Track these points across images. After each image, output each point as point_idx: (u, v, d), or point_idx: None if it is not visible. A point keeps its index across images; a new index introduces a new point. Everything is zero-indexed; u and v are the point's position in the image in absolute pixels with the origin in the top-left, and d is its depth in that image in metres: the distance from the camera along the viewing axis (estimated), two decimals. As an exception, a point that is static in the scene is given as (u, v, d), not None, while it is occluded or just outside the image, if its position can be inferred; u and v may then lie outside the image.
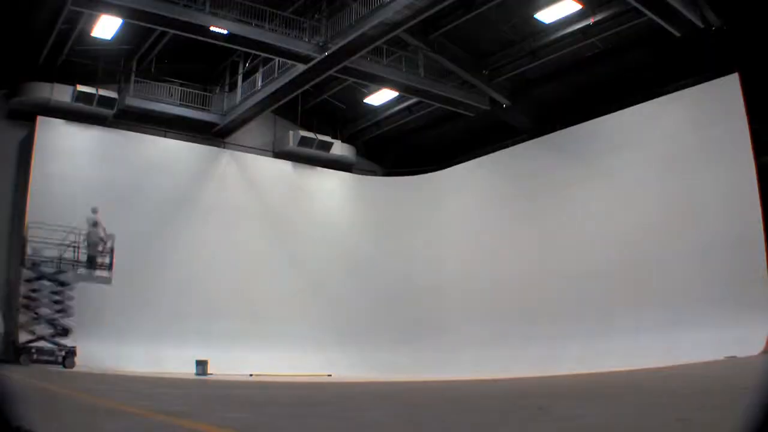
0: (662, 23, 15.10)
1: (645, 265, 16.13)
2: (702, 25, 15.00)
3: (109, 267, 16.68)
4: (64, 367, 15.38)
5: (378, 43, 16.88)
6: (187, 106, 20.80)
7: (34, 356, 15.47)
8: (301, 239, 21.94)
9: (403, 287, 22.03)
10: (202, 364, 17.20)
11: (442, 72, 19.71)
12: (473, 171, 22.10)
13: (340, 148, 23.07)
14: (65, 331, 15.86)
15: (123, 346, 17.29)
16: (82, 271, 16.60)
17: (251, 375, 16.76)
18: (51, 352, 15.64)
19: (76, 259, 16.56)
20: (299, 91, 19.79)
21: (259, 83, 19.76)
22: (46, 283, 16.28)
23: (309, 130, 22.50)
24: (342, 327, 20.95)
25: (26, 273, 16.30)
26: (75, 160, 18.96)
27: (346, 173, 23.81)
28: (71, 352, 15.74)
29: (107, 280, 16.73)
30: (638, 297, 16.04)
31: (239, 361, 18.18)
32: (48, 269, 16.27)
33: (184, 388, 9.88)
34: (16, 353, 15.67)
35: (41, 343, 15.72)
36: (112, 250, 16.59)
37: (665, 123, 16.67)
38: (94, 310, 17.03)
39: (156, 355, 17.52)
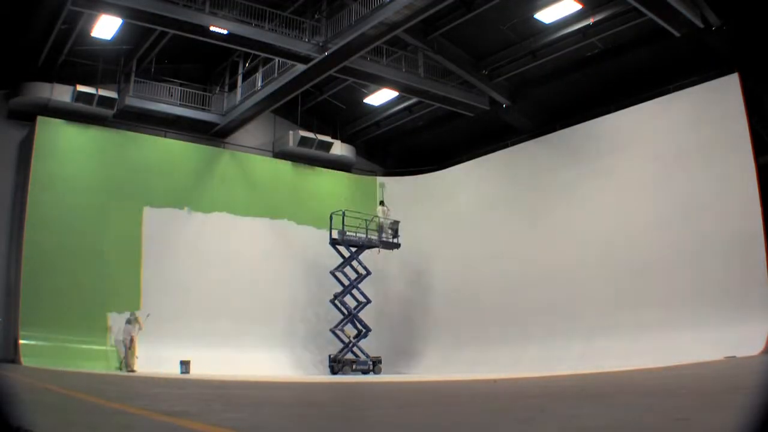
0: (662, 23, 15.09)
1: (645, 265, 16.13)
2: (702, 25, 15.00)
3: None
4: (374, 374, 18.92)
5: (378, 43, 16.88)
6: (187, 106, 20.79)
7: (354, 366, 19.07)
8: (301, 239, 21.92)
9: (404, 287, 22.02)
10: (185, 364, 17.45)
11: (442, 72, 19.71)
12: (473, 171, 22.10)
13: (339, 148, 23.06)
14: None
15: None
16: None
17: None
18: (365, 362, 19.29)
19: None
20: (299, 91, 19.80)
21: (259, 83, 19.75)
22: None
23: (309, 130, 22.50)
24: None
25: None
26: (75, 160, 18.96)
27: (346, 173, 23.80)
28: (379, 361, 19.62)
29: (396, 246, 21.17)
30: (638, 297, 16.04)
31: (231, 362, 18.16)
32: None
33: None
34: (337, 365, 19.12)
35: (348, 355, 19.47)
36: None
37: (665, 123, 16.68)
38: None
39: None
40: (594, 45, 17.64)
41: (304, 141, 21.95)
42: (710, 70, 15.73)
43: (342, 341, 19.55)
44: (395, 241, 21.05)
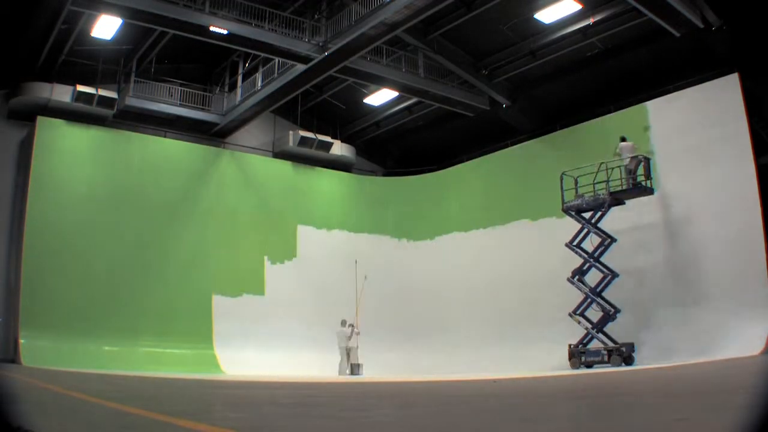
0: (662, 23, 15.11)
1: (645, 265, 16.12)
2: (702, 25, 15.02)
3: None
4: (612, 365, 14.60)
5: (378, 43, 16.90)
6: (187, 106, 20.81)
7: (583, 359, 15.47)
8: (301, 239, 21.94)
9: (404, 287, 22.04)
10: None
11: (442, 72, 19.73)
12: (473, 171, 22.11)
13: (339, 148, 23.08)
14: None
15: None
16: None
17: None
18: (597, 353, 15.33)
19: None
20: (299, 91, 19.81)
21: (259, 83, 19.76)
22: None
23: (308, 130, 22.51)
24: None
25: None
26: (75, 160, 18.97)
27: (346, 173, 23.81)
28: (629, 349, 14.94)
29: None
30: (638, 297, 16.03)
31: (235, 361, 18.20)
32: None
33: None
34: (576, 357, 15.55)
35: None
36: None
37: (665, 123, 16.67)
38: None
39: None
40: (594, 45, 17.65)
41: (304, 141, 21.96)
42: (710, 70, 15.74)
43: (585, 328, 15.97)
44: (647, 184, 15.85)
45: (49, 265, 17.51)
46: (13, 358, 16.47)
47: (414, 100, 21.31)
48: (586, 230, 16.32)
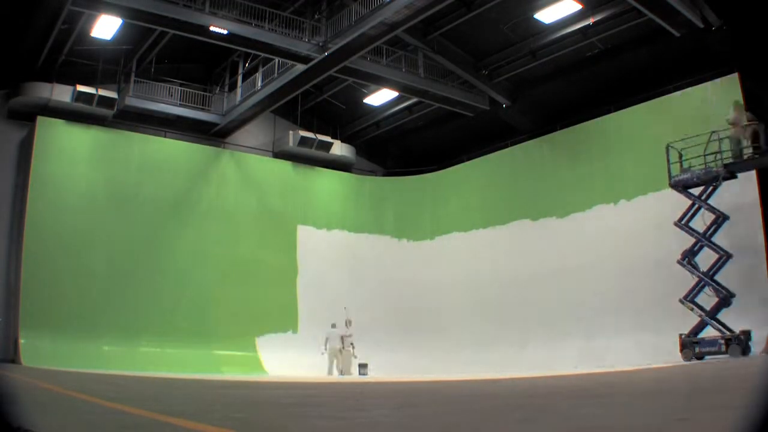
0: (662, 23, 15.12)
1: (644, 265, 16.12)
2: (702, 25, 15.02)
3: None
4: (731, 356, 12.79)
5: (378, 43, 16.91)
6: (186, 106, 20.81)
7: (697, 349, 13.50)
8: (301, 239, 21.95)
9: (404, 287, 22.05)
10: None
11: (442, 72, 19.74)
12: (473, 171, 22.12)
13: (339, 148, 23.08)
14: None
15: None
16: None
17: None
18: (714, 342, 13.39)
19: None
20: (299, 91, 19.82)
21: (259, 83, 19.77)
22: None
23: (308, 130, 22.52)
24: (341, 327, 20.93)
25: None
26: (75, 161, 18.98)
27: (346, 173, 23.81)
28: (743, 337, 12.89)
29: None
30: (638, 297, 16.03)
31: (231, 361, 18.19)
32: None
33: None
34: (688, 347, 13.63)
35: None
36: None
37: (665, 123, 16.66)
38: None
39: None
40: (594, 45, 17.66)
41: (304, 141, 21.97)
42: (710, 70, 15.74)
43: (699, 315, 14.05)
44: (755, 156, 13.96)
45: (48, 265, 17.53)
46: (13, 358, 16.48)
47: (414, 100, 21.31)
48: (696, 206, 14.77)
